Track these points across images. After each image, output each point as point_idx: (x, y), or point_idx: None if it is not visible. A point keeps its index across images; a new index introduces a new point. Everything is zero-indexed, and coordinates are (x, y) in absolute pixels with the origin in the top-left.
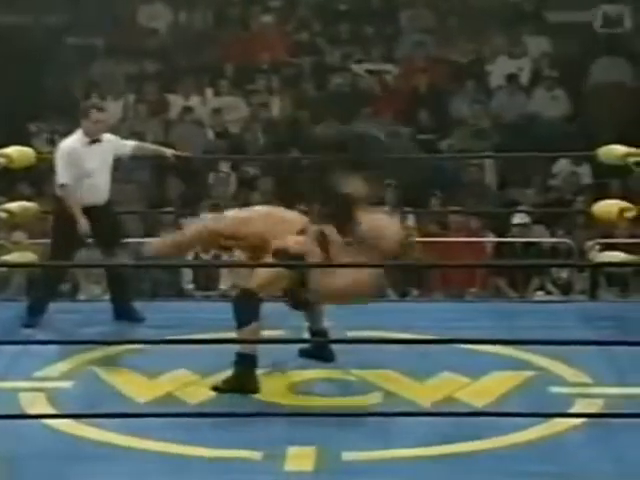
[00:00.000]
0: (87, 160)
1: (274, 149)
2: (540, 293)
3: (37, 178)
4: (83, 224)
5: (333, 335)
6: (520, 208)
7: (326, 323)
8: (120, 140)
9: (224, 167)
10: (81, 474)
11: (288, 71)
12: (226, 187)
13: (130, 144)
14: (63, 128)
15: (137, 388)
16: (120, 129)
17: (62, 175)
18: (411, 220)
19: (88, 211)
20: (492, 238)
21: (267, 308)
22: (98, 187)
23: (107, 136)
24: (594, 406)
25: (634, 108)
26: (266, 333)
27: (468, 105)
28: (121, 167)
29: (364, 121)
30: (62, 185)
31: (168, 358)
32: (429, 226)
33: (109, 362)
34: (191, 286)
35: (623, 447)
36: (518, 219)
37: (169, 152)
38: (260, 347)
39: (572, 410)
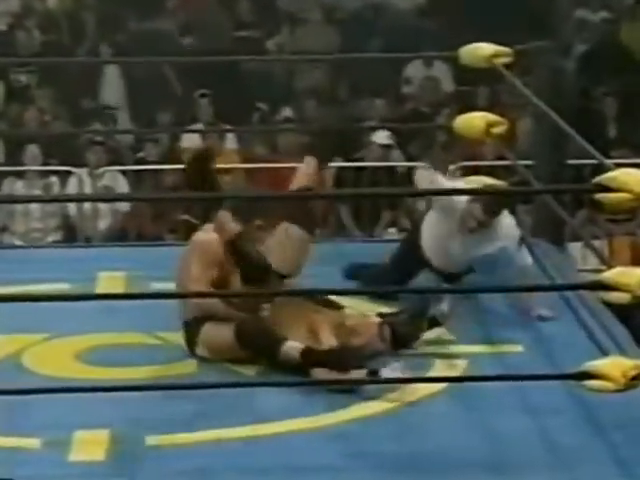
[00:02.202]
0: None
1: (54, 51)
2: (392, 230)
3: None
4: None
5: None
6: (369, 124)
7: None
8: None
9: None
10: None
11: None
12: None
13: None
14: None
15: None
16: None
17: None
18: (231, 140)
19: None
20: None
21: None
22: None
23: None
24: (456, 368)
25: None
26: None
27: None
28: None
29: (166, 15)
30: None
31: None
32: (254, 148)
33: None
34: None
35: (490, 417)
36: (382, 139)
37: None
38: (34, 307)
39: (430, 374)
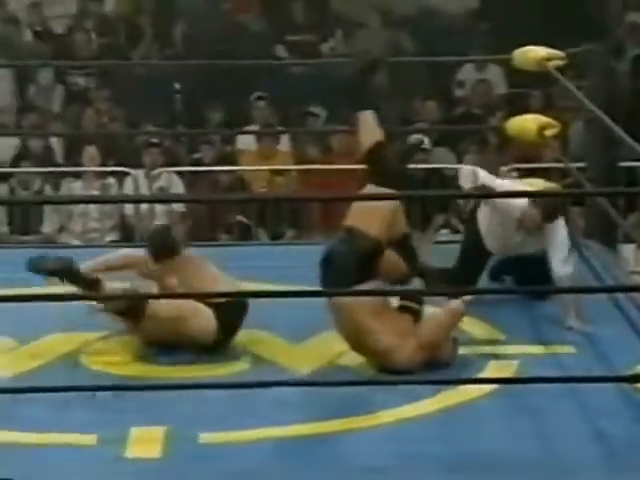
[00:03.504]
0: None
1: (110, 54)
2: (444, 231)
3: None
4: None
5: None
6: (418, 126)
7: None
8: None
9: (47, 76)
10: None
11: None
12: (50, 101)
13: None
14: None
15: None
16: None
17: None
18: (285, 142)
19: None
20: None
21: None
22: None
23: None
24: (508, 369)
25: None
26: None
27: None
28: None
29: (224, 16)
30: None
31: None
32: (308, 149)
33: None
34: (4, 229)
35: (542, 418)
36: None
37: None
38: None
39: (482, 375)
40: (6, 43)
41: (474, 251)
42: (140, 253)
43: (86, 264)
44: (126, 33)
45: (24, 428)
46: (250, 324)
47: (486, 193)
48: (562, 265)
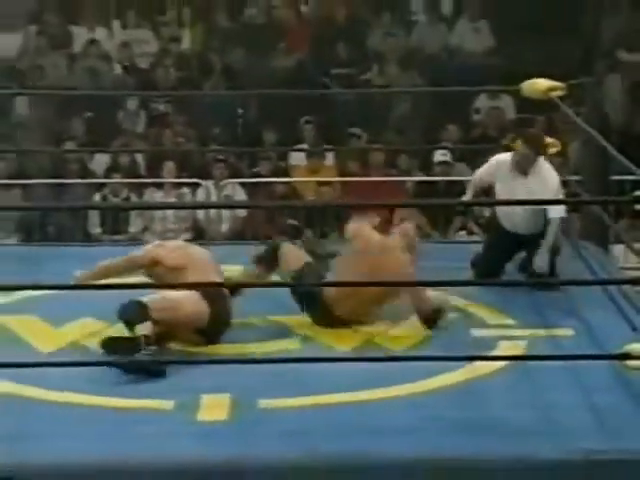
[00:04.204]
0: None
1: (186, 85)
2: (462, 233)
3: None
4: None
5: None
6: (441, 145)
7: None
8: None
9: (133, 104)
10: None
11: (200, 1)
12: (136, 124)
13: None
14: None
15: (40, 336)
16: (19, 64)
17: None
18: (330, 158)
19: None
20: (412, 177)
21: None
22: None
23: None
24: (517, 348)
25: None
26: None
27: (387, 37)
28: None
29: (279, 54)
30: None
31: (73, 305)
32: (349, 164)
33: (10, 309)
34: (98, 230)
35: (545, 391)
36: (439, 156)
37: None
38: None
39: (495, 353)
40: (98, 76)
41: (497, 241)
42: (139, 254)
43: (84, 272)
44: (199, 68)
45: (116, 395)
46: (299, 310)
47: (493, 201)
48: (554, 209)
